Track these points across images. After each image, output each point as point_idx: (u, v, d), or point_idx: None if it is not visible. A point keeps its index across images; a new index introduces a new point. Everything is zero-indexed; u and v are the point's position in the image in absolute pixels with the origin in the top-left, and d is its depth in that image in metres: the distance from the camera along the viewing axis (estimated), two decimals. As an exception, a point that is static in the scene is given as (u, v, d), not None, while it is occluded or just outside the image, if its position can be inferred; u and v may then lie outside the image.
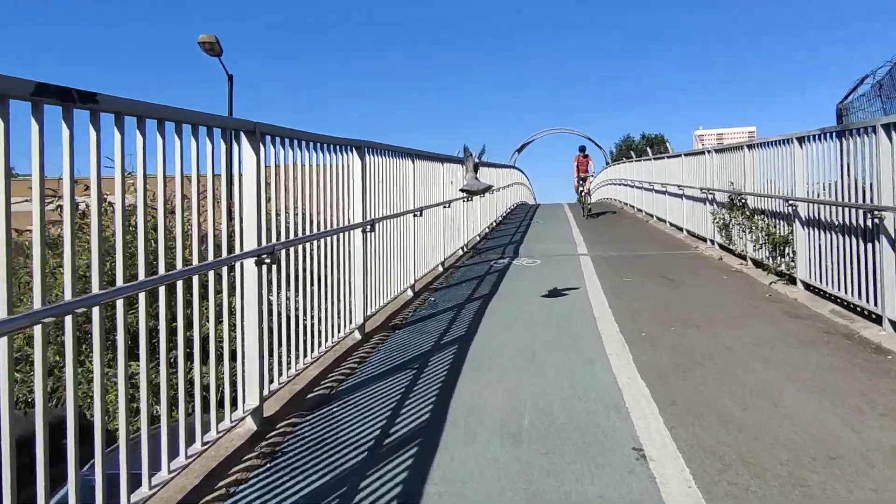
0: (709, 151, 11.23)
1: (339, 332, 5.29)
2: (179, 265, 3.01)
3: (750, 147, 8.99)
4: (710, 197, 11.14)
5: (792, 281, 7.36)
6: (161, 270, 2.85)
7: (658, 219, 16.65)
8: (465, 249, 11.95)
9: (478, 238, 14.06)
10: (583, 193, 19.01)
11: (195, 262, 3.24)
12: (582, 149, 19.27)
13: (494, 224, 17.71)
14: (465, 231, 11.92)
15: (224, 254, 3.44)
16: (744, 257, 9.15)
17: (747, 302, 6.80)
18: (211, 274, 3.28)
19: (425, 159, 8.67)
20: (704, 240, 11.58)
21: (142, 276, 2.66)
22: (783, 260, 7.57)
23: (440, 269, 9.55)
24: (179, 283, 3.01)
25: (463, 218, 11.74)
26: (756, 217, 8.65)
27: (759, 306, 6.62)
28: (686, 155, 13.26)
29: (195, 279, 3.15)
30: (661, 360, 4.85)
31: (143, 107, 2.69)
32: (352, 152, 5.72)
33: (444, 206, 9.70)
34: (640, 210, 19.75)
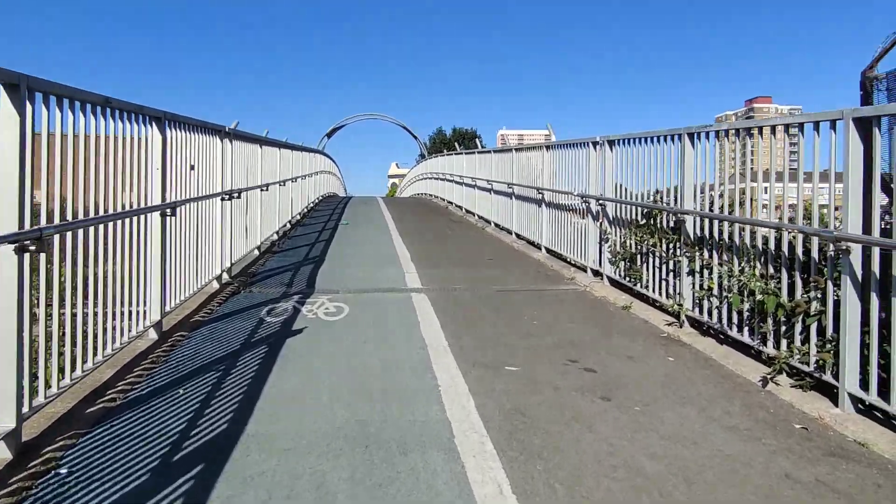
0: (598, 144, 7.76)
1: None
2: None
3: (694, 136, 5.52)
4: (596, 209, 7.70)
5: (819, 386, 3.95)
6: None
7: (498, 226, 13.24)
8: (226, 279, 7.26)
9: (257, 253, 9.37)
10: None
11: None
12: None
13: (290, 226, 13.05)
14: (228, 245, 7.23)
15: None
16: (674, 314, 5.69)
17: (802, 462, 3.17)
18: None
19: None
20: (583, 269, 8.16)
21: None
22: (795, 346, 4.10)
23: (152, 337, 4.86)
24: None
25: (227, 220, 7.04)
26: (711, 252, 5.20)
27: (828, 475, 3.02)
28: (557, 147, 9.78)
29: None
30: None
31: None
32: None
33: (163, 212, 5.01)
34: (470, 212, 16.34)
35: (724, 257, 4.99)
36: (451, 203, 19.70)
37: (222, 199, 6.96)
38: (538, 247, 10.18)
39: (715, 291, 5.10)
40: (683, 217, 5.53)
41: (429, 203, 22.70)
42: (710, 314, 5.19)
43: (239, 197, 7.64)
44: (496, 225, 13.47)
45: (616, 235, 7.12)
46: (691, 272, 5.46)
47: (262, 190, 9.52)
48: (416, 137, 53.61)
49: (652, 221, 6.25)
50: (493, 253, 10.34)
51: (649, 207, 6.24)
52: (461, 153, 18.59)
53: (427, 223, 15.14)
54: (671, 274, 5.87)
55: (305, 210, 16.55)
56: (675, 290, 5.76)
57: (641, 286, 6.47)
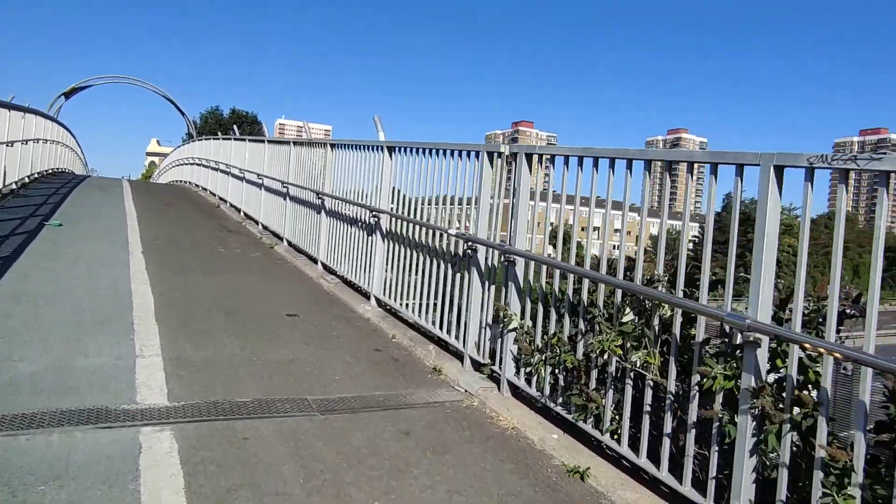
0: (498, 154, 4.69)
1: None
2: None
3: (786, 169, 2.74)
4: (494, 263, 4.63)
5: None
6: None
7: (293, 245, 9.58)
8: None
9: None
10: None
11: None
12: None
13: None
14: None
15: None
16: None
17: None
18: None
19: None
20: (452, 350, 5.05)
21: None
22: None
23: None
24: None
25: None
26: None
27: None
28: (411, 152, 6.51)
29: None
30: None
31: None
32: None
33: None
34: (251, 218, 12.32)
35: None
36: (225, 201, 15.32)
37: None
38: (366, 295, 6.84)
39: (817, 498, 2.32)
40: (754, 337, 2.67)
41: (193, 197, 17.87)
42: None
43: None
44: (290, 243, 9.80)
45: (531, 320, 4.11)
46: (759, 446, 2.64)
47: None
48: (183, 113, 46.19)
49: (644, 321, 3.33)
50: (295, 299, 6.74)
51: (656, 299, 3.26)
52: (244, 139, 14.35)
53: (189, 231, 10.84)
54: (680, 423, 3.00)
55: (-5, 195, 11.05)
56: (707, 467, 2.88)
57: (602, 430, 3.51)
